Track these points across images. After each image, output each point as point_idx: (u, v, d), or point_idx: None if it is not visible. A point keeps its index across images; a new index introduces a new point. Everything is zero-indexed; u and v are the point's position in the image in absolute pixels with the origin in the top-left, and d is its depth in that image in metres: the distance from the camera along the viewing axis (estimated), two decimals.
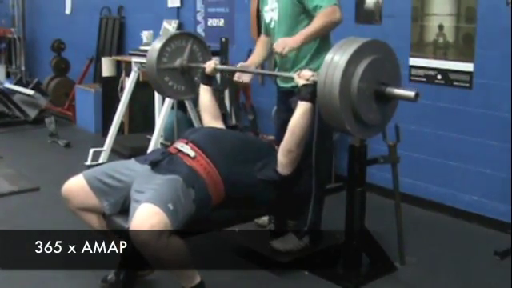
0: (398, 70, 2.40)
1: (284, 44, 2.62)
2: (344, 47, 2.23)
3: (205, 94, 2.94)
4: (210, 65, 2.94)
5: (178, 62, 3.12)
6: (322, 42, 2.77)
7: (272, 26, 2.88)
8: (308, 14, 2.72)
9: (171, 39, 3.12)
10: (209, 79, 2.97)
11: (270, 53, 3.12)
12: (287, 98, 2.85)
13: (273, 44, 2.78)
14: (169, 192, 2.24)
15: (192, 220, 2.30)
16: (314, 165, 2.67)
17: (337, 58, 2.20)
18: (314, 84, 2.35)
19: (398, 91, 2.27)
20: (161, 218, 2.13)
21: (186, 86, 3.19)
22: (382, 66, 2.28)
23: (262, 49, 3.07)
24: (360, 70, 2.20)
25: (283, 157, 2.48)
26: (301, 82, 2.46)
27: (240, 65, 3.00)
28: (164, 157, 2.46)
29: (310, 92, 2.39)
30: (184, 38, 3.18)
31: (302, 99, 2.43)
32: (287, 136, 2.46)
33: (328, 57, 2.24)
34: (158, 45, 3.10)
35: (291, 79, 2.79)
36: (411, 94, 2.25)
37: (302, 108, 2.43)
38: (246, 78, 3.03)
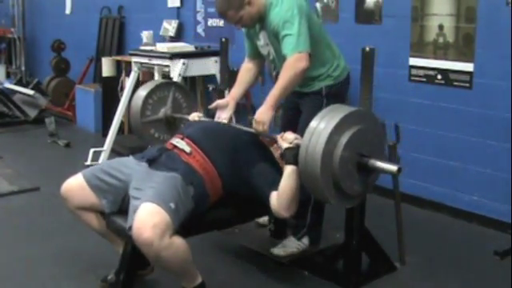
0: (382, 141, 2.34)
1: (262, 123, 2.57)
2: (330, 115, 2.16)
3: None
4: (194, 118, 2.88)
5: (161, 113, 3.08)
6: (326, 49, 2.77)
7: (271, 58, 2.85)
8: None
9: (153, 91, 3.06)
10: None
11: (252, 82, 3.04)
12: (297, 99, 2.86)
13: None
14: (169, 191, 2.24)
15: (189, 217, 2.29)
16: None
17: (321, 127, 2.13)
18: (297, 147, 2.28)
19: (380, 164, 2.20)
20: (163, 218, 2.13)
21: (171, 135, 3.12)
22: (365, 136, 2.20)
23: (245, 78, 2.98)
24: (344, 140, 2.13)
25: (274, 211, 2.38)
26: (284, 145, 2.39)
27: (216, 103, 2.91)
28: (161, 153, 2.46)
29: (294, 155, 2.31)
30: (165, 87, 3.12)
31: (287, 163, 2.36)
32: (277, 201, 2.35)
33: (312, 124, 2.17)
34: (139, 98, 3.03)
35: (305, 85, 2.78)
36: (394, 168, 2.18)
37: (287, 171, 2.34)
38: (224, 116, 2.88)
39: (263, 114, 2.58)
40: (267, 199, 2.38)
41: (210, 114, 3.03)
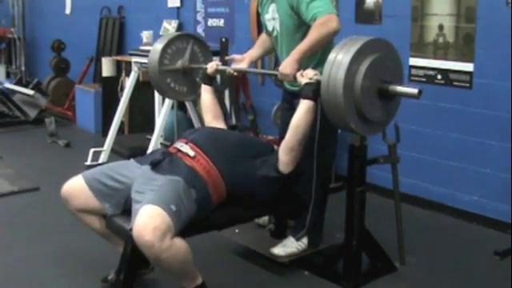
0: (400, 68, 2.42)
1: (285, 75, 2.60)
2: (347, 46, 2.24)
3: (206, 93, 2.96)
4: (213, 66, 2.96)
5: (179, 64, 3.13)
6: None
7: (275, 34, 2.84)
8: (309, 26, 2.62)
9: (172, 41, 3.12)
10: (210, 79, 2.99)
11: (270, 50, 3.10)
12: (292, 99, 2.85)
13: (277, 56, 2.77)
14: (170, 193, 2.24)
15: (193, 220, 2.30)
16: (315, 165, 2.68)
17: (340, 57, 2.22)
18: (317, 83, 2.37)
19: (401, 89, 2.29)
20: (164, 220, 2.13)
21: (187, 86, 3.20)
22: (384, 63, 2.29)
23: (261, 45, 3.07)
24: (363, 68, 2.21)
25: (285, 155, 2.49)
26: (303, 80, 2.48)
27: (233, 57, 3.06)
28: (164, 157, 2.46)
29: (313, 90, 2.41)
30: (184, 39, 3.18)
31: (305, 97, 2.45)
32: (289, 134, 2.48)
33: (331, 56, 2.25)
34: (158, 47, 3.10)
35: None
36: (414, 91, 2.26)
37: (304, 106, 2.44)
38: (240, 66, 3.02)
39: (287, 67, 2.61)
40: (277, 170, 2.48)
41: (227, 64, 3.16)
